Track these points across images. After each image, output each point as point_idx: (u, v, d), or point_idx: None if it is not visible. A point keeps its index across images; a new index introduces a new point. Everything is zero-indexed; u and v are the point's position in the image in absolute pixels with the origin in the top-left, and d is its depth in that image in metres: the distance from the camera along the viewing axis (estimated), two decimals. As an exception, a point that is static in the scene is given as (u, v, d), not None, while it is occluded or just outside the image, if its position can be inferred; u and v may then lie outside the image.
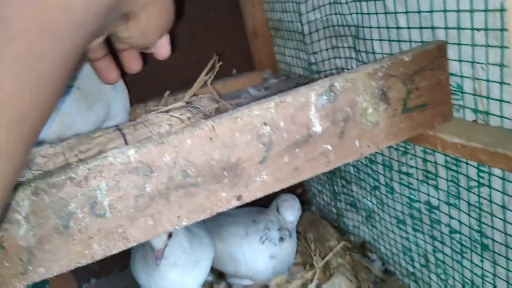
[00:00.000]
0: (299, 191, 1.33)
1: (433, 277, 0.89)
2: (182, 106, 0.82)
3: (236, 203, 0.55)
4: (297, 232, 1.19)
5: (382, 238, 1.02)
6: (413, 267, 0.95)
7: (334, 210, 1.21)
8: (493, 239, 0.69)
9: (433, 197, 0.78)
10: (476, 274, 0.77)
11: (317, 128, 0.56)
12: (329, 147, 0.57)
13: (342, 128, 0.57)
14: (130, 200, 0.50)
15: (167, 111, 0.79)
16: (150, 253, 0.87)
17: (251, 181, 0.54)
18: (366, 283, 1.00)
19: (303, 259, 1.11)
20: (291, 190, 1.29)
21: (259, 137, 0.54)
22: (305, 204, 1.33)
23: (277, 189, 0.56)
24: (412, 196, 0.84)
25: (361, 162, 0.98)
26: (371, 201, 1.00)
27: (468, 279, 0.79)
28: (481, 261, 0.74)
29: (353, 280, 0.97)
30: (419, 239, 0.88)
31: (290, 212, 0.87)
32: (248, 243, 0.93)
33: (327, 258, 1.03)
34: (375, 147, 0.60)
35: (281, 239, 0.91)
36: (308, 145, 0.56)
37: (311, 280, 1.01)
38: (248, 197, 0.55)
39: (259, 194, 0.55)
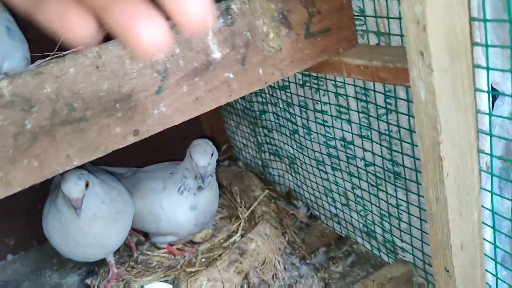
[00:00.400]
0: (225, 147, 1.31)
1: (354, 215, 0.91)
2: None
3: (133, 139, 0.51)
4: (222, 186, 1.17)
5: (305, 183, 1.02)
6: (336, 208, 0.96)
7: (259, 162, 1.20)
8: (403, 166, 0.70)
9: (347, 131, 0.78)
10: (392, 205, 0.78)
11: (216, 54, 0.53)
12: (231, 75, 0.54)
13: (243, 55, 0.54)
14: (8, 140, 0.44)
15: (64, 56, 0.73)
16: (66, 210, 0.81)
17: (148, 114, 0.51)
18: (291, 229, 1.00)
19: (230, 213, 1.10)
20: (216, 146, 1.26)
21: (152, 64, 0.50)
22: (231, 159, 1.32)
23: (177, 121, 0.53)
24: (328, 134, 0.84)
25: (279, 107, 0.97)
26: (292, 147, 1.00)
27: (385, 211, 0.81)
28: (395, 190, 0.75)
29: (278, 227, 0.97)
30: (338, 178, 0.89)
31: (202, 156, 0.84)
32: (166, 196, 0.89)
33: (252, 208, 1.02)
34: (280, 75, 0.57)
35: (200, 188, 0.89)
36: (208, 73, 0.53)
37: (237, 231, 1.00)
38: (146, 132, 0.51)
39: (158, 128, 0.52)
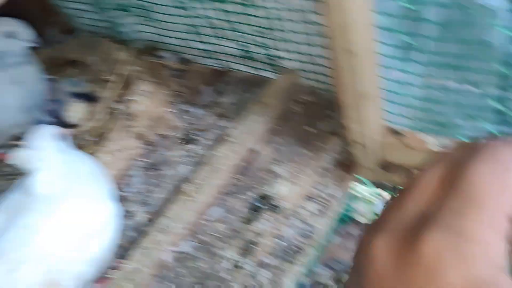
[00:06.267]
0: (52, 19, 1.09)
1: (231, 44, 0.87)
2: None
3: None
4: (74, 61, 1.03)
5: (166, 28, 0.93)
6: (210, 44, 0.90)
7: (105, 24, 1.05)
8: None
9: None
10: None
11: None
12: None
13: None
14: None
15: None
16: None
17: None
18: (168, 79, 0.94)
19: (97, 86, 0.97)
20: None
21: None
22: (71, 32, 1.13)
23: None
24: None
25: None
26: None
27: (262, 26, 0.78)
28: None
29: (155, 80, 0.89)
30: (208, 9, 0.82)
31: None
32: None
33: (124, 73, 0.90)
34: None
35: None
36: None
37: (118, 99, 0.89)
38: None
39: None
